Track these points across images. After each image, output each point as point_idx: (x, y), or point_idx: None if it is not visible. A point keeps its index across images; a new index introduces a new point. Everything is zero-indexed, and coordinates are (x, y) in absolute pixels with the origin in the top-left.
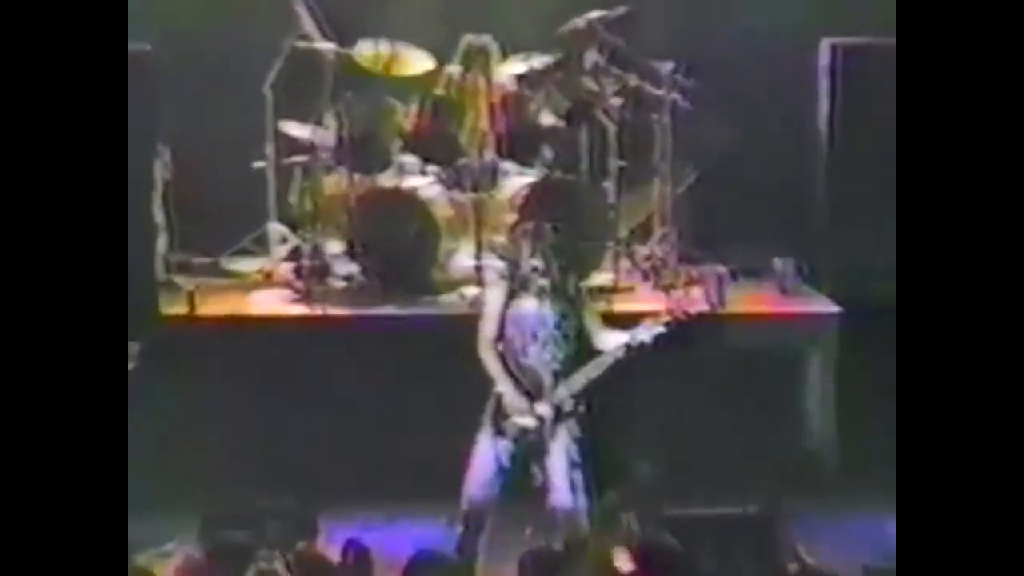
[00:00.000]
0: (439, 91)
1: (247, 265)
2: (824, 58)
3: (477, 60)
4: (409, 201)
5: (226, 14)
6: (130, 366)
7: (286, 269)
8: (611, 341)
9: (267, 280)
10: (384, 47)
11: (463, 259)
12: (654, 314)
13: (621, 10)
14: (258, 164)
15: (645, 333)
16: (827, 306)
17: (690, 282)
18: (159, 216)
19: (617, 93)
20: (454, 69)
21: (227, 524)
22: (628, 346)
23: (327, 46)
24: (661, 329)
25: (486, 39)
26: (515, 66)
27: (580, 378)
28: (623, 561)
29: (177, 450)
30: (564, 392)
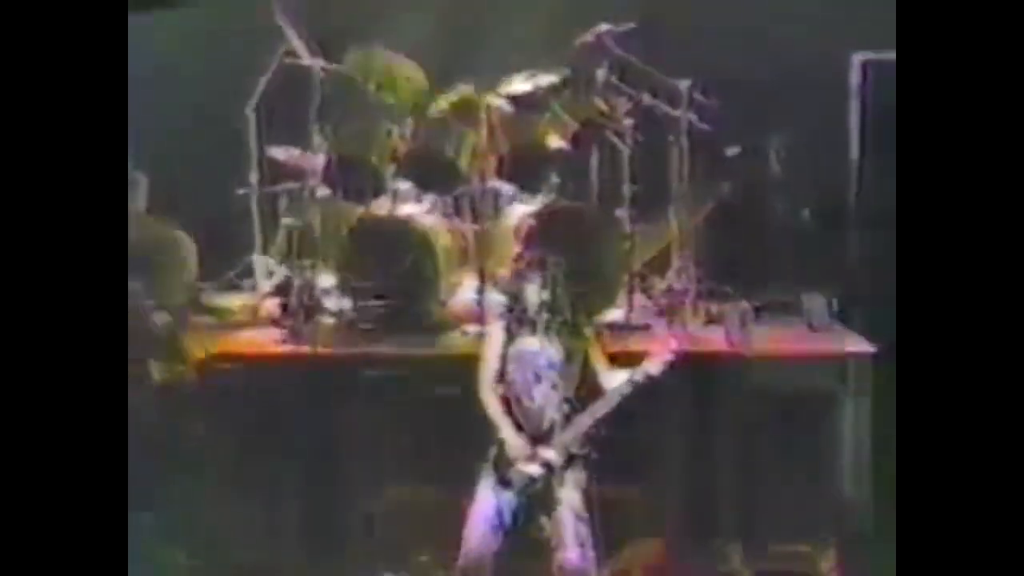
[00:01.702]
0: (436, 111)
1: (230, 301)
2: (855, 76)
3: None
4: (405, 230)
5: (206, 30)
6: None
7: (272, 305)
8: (617, 380)
9: (252, 317)
10: (376, 64)
11: (464, 293)
12: (659, 351)
13: (632, 24)
14: (242, 191)
15: (650, 369)
16: (860, 345)
17: (711, 318)
18: None
19: (629, 113)
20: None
21: None
22: (631, 384)
23: (315, 63)
24: (665, 365)
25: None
26: (519, 84)
27: (586, 419)
28: None
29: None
30: (571, 435)
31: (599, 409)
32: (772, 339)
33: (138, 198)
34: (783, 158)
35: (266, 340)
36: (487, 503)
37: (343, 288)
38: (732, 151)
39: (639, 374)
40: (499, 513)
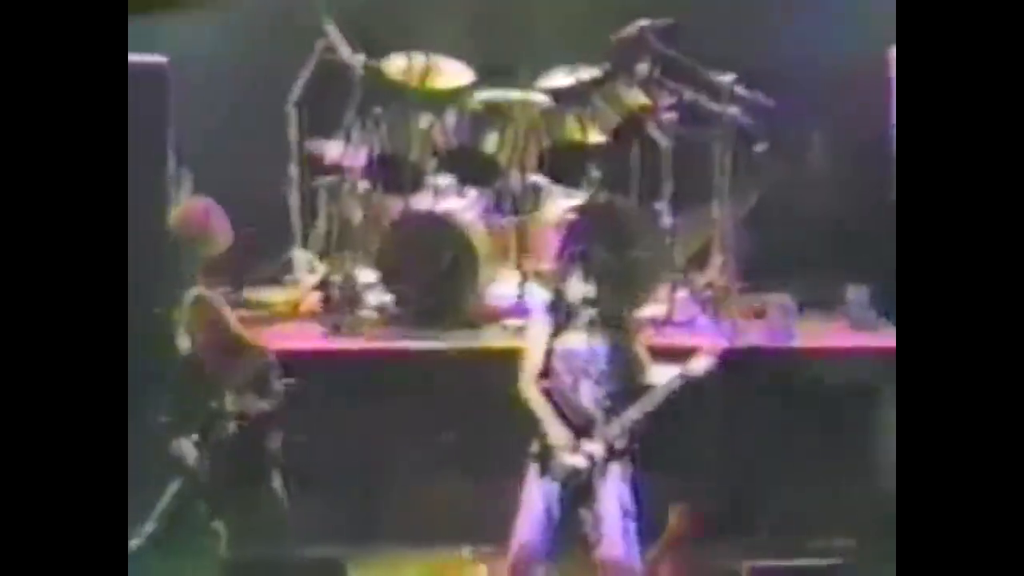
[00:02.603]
0: (476, 105)
1: (272, 295)
2: (893, 68)
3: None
4: (445, 225)
5: (249, 28)
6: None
7: (314, 299)
8: (663, 375)
9: (293, 312)
10: (417, 59)
11: (504, 288)
12: (708, 347)
13: (672, 18)
14: (283, 186)
15: (698, 366)
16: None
17: (753, 313)
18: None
19: (671, 107)
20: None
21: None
22: (681, 380)
23: (355, 58)
24: (714, 362)
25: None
26: (560, 79)
27: (632, 414)
28: None
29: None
30: (616, 429)
31: (646, 404)
32: (815, 334)
33: (183, 194)
34: (823, 152)
35: (307, 334)
36: (535, 496)
37: (384, 283)
38: (761, 147)
39: (689, 370)
40: (546, 506)
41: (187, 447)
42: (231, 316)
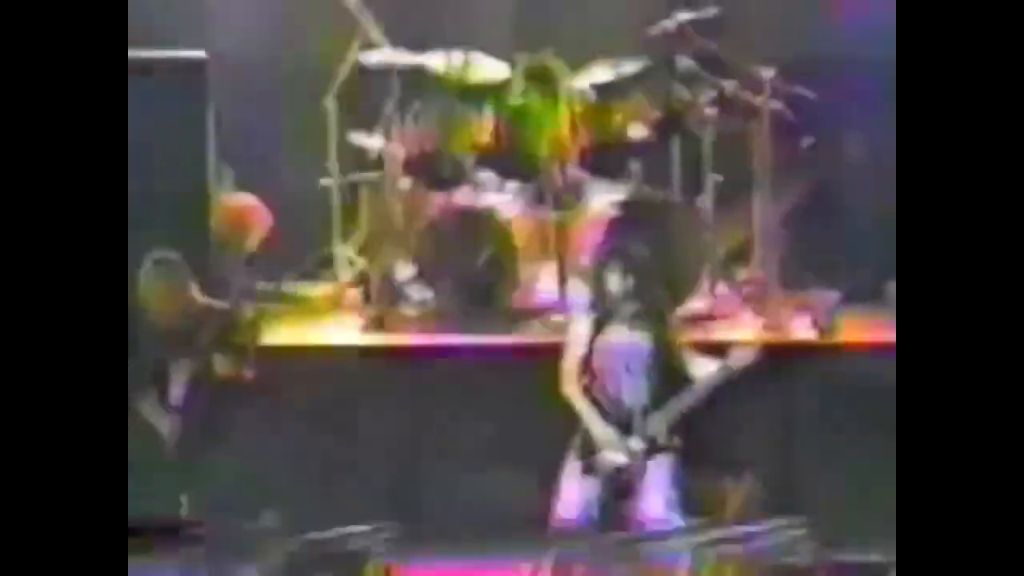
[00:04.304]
0: (516, 100)
1: (311, 290)
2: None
3: (541, 80)
4: (485, 220)
5: (286, 20)
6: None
7: (353, 294)
8: (705, 370)
9: (333, 306)
10: (456, 54)
11: (545, 283)
12: (749, 341)
13: (713, 10)
14: (323, 181)
15: (739, 361)
16: None
17: (795, 308)
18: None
19: (712, 102)
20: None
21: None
22: (723, 374)
23: (395, 54)
24: (755, 357)
25: (546, 56)
26: (601, 73)
27: (674, 409)
28: None
29: (236, 488)
30: (658, 424)
31: (687, 399)
32: (858, 328)
33: (224, 190)
34: (866, 146)
35: (346, 330)
36: (573, 492)
37: (424, 278)
38: (807, 141)
39: (730, 365)
40: (585, 501)
41: (149, 409)
42: (191, 281)
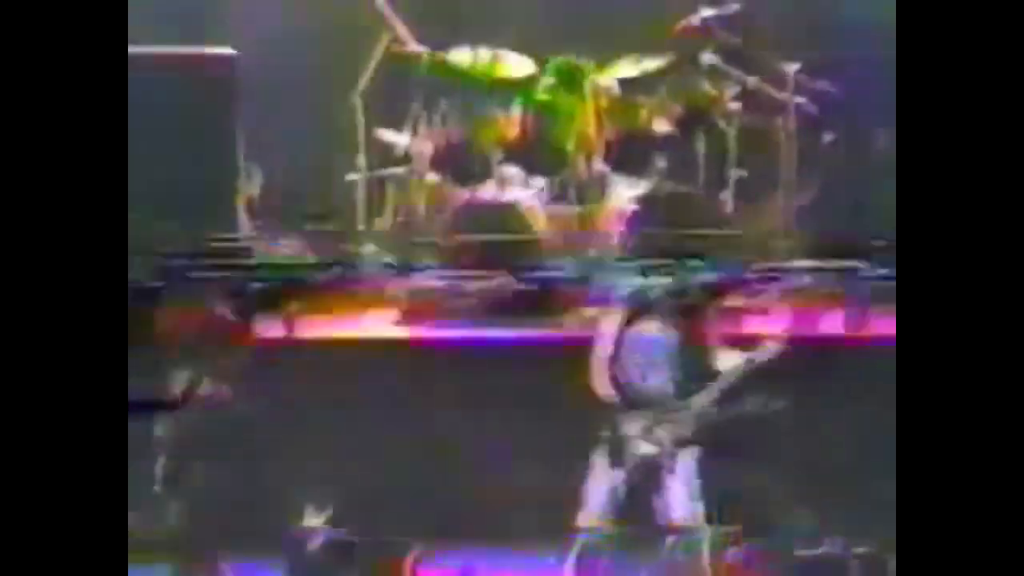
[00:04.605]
0: (543, 96)
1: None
2: None
3: (569, 77)
4: (509, 215)
5: (313, 17)
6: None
7: (383, 288)
8: (731, 362)
9: (363, 301)
10: (482, 51)
11: (571, 277)
12: (776, 334)
13: (736, 6)
14: (350, 177)
15: (766, 353)
16: None
17: (822, 300)
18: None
19: (736, 97)
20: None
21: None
22: (749, 367)
23: (421, 50)
24: (782, 349)
25: (571, 52)
26: (625, 69)
27: (701, 401)
28: None
29: (269, 482)
30: (685, 416)
31: (714, 391)
32: (890, 322)
33: (252, 188)
34: (889, 140)
35: (378, 323)
36: (602, 482)
37: (450, 271)
38: (829, 137)
39: (756, 357)
40: (613, 491)
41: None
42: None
